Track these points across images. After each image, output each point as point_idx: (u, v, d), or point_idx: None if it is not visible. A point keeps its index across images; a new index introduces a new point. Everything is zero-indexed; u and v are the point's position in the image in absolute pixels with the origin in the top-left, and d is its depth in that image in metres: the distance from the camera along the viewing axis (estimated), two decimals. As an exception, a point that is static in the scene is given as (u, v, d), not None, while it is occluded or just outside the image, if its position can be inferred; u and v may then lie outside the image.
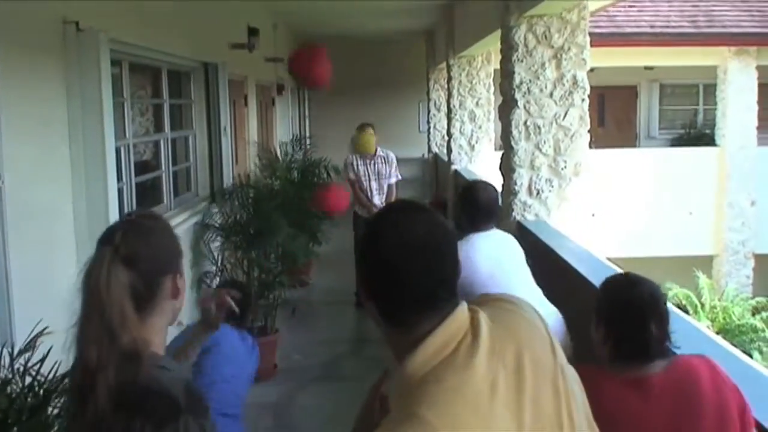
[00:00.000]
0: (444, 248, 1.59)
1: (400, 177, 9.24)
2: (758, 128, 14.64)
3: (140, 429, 1.74)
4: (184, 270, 1.99)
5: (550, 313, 4.02)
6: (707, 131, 18.39)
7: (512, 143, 6.26)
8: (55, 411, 3.05)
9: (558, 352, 1.65)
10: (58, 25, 4.25)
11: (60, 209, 4.25)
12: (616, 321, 2.51)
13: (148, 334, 1.85)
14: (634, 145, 19.65)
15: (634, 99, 20.50)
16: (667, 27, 14.42)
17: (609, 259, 5.46)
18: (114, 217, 4.48)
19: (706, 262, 14.19)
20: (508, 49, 6.32)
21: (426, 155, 17.61)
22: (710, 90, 17.26)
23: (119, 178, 5.40)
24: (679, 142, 19.21)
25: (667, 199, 14.41)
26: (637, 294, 2.49)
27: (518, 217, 6.32)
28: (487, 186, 4.35)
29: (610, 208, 12.97)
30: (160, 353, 1.90)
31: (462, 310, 1.59)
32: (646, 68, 18.80)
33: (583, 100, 6.19)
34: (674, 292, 12.51)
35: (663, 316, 2.48)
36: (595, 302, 2.63)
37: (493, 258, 3.97)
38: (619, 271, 3.01)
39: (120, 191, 5.36)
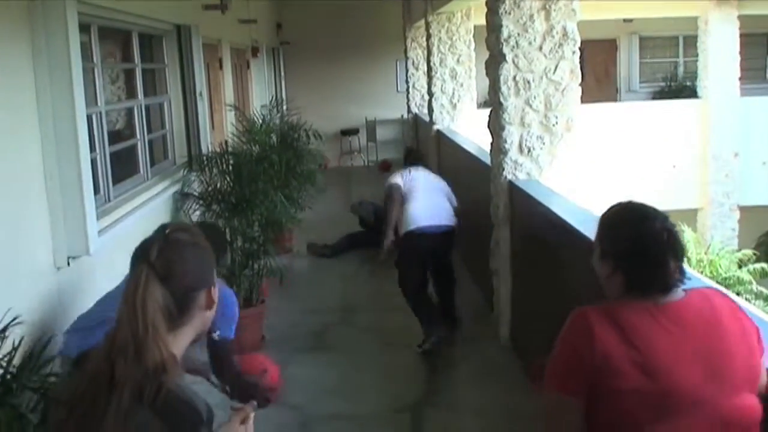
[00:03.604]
0: None
1: None
2: (740, 79, 14.46)
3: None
4: (215, 281, 2.05)
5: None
6: (688, 83, 18.24)
7: (501, 100, 6.04)
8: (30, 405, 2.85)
9: None
10: (21, -13, 3.96)
11: (30, 184, 3.99)
12: (631, 256, 2.33)
13: (173, 341, 1.91)
14: (615, 100, 19.48)
15: (613, 52, 20.28)
16: (647, -23, 14.17)
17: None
18: (88, 189, 4.23)
19: (690, 216, 14.07)
20: (494, 2, 6.06)
21: (405, 116, 17.35)
22: (690, 41, 17.06)
23: (92, 148, 5.14)
24: (660, 95, 19.04)
25: (650, 153, 14.24)
26: (653, 228, 2.31)
27: (509, 177, 6.11)
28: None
29: (592, 163, 12.78)
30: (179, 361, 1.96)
31: None
32: (626, 21, 18.58)
33: (573, 52, 5.96)
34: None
35: (680, 250, 2.33)
36: (597, 231, 2.48)
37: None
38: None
39: (93, 161, 5.11)
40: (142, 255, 1.91)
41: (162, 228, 1.99)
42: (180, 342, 1.95)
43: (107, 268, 4.40)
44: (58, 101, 3.99)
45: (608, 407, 2.20)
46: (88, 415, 1.80)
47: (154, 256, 1.88)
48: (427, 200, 6.66)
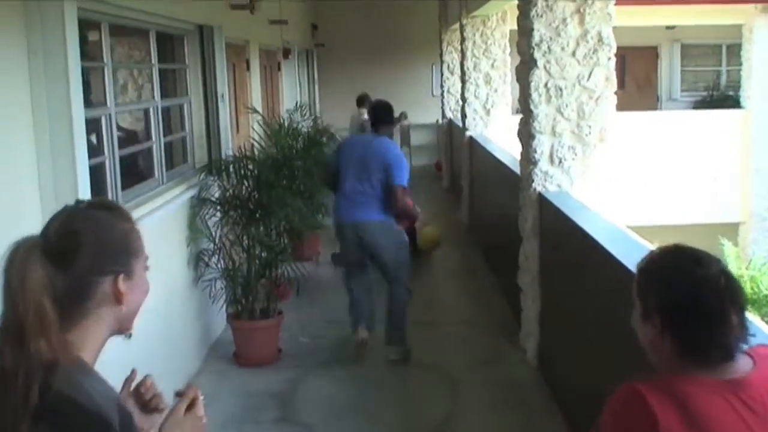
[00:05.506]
0: None
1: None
2: (786, 89, 14.00)
3: None
4: (137, 272, 1.71)
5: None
6: (731, 93, 17.79)
7: (531, 107, 5.74)
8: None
9: None
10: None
11: (22, 190, 3.77)
12: (685, 311, 1.88)
13: (76, 339, 1.62)
14: (655, 108, 19.06)
15: (655, 60, 19.87)
16: (691, -17, 13.80)
17: (629, 227, 4.98)
18: (85, 195, 4.01)
19: (731, 230, 13.63)
20: (526, 4, 5.78)
21: (440, 121, 17.08)
22: (734, 50, 16.63)
23: (101, 151, 4.94)
24: (701, 104, 18.60)
25: (690, 164, 13.83)
26: (708, 274, 1.87)
27: (539, 188, 5.81)
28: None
29: (630, 173, 12.40)
30: (90, 362, 1.65)
31: None
32: (668, 28, 18.16)
33: (609, 59, 5.65)
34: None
35: (742, 299, 1.91)
36: (636, 285, 2.01)
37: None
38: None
39: (101, 165, 4.89)
40: (43, 228, 1.64)
41: (77, 201, 1.73)
42: (87, 339, 1.64)
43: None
44: (53, 105, 3.77)
45: None
46: None
47: (51, 230, 1.61)
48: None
